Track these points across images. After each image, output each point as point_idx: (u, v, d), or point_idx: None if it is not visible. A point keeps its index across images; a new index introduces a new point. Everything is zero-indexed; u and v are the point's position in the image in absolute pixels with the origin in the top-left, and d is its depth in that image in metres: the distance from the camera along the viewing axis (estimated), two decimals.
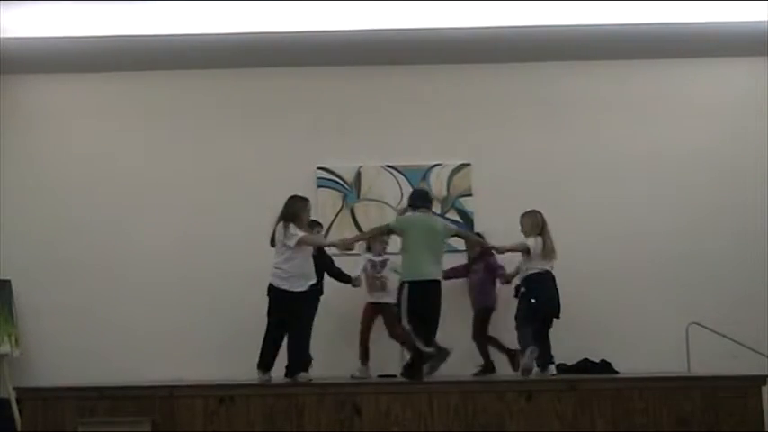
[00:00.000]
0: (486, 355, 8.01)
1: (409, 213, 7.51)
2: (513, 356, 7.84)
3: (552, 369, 7.46)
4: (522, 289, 7.69)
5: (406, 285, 7.14)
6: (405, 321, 7.13)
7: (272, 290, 7.13)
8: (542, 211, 8.00)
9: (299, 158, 8.64)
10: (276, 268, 7.09)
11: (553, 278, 7.66)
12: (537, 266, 7.62)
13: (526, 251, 7.64)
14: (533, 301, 7.56)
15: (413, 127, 8.73)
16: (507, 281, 8.05)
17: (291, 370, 7.12)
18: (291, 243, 7.05)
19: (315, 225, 7.95)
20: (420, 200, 7.49)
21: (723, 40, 8.47)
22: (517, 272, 7.87)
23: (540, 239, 7.67)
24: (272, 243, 7.21)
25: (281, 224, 7.12)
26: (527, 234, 7.76)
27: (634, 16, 8.03)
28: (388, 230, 7.63)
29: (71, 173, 8.74)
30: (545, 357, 7.52)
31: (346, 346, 7.96)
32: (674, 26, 8.19)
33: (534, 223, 7.76)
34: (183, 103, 8.88)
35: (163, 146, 8.80)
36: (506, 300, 8.01)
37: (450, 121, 8.75)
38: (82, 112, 8.91)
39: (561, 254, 8.26)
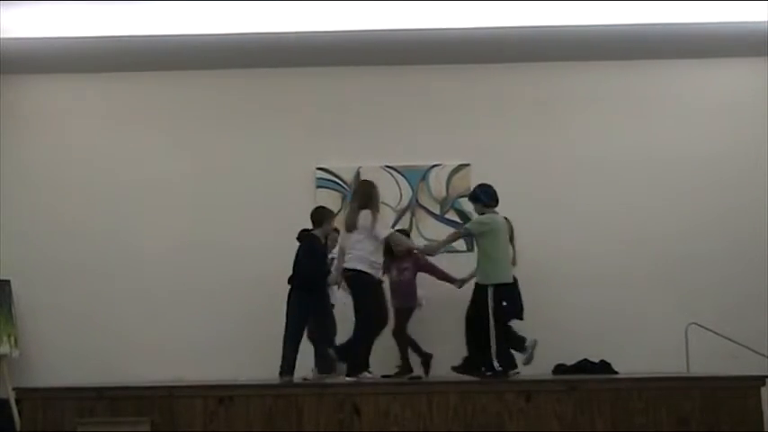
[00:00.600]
0: (405, 355, 7.89)
1: (489, 214, 7.35)
2: (427, 360, 7.83)
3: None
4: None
5: (501, 288, 7.14)
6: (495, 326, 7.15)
7: (372, 281, 7.01)
8: (542, 212, 8.03)
9: (299, 159, 8.64)
10: (370, 258, 6.99)
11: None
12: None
13: None
14: (505, 304, 7.42)
15: (412, 127, 8.73)
16: (460, 286, 7.91)
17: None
18: (381, 236, 7.02)
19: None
20: (493, 199, 7.39)
21: (723, 40, 8.46)
22: (470, 277, 7.70)
23: (510, 247, 7.63)
24: (350, 228, 7.11)
25: (369, 212, 7.02)
26: None
27: (634, 16, 8.02)
28: (467, 234, 7.58)
29: (71, 173, 8.74)
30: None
31: None
32: (674, 26, 8.18)
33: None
34: (182, 103, 8.89)
35: (162, 146, 8.80)
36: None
37: (450, 121, 8.74)
38: (82, 112, 8.91)
39: (561, 254, 8.35)
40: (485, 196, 7.40)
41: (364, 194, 7.19)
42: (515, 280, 7.54)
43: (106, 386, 6.87)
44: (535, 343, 7.34)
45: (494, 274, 7.18)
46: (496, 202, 7.39)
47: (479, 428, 6.51)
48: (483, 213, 7.38)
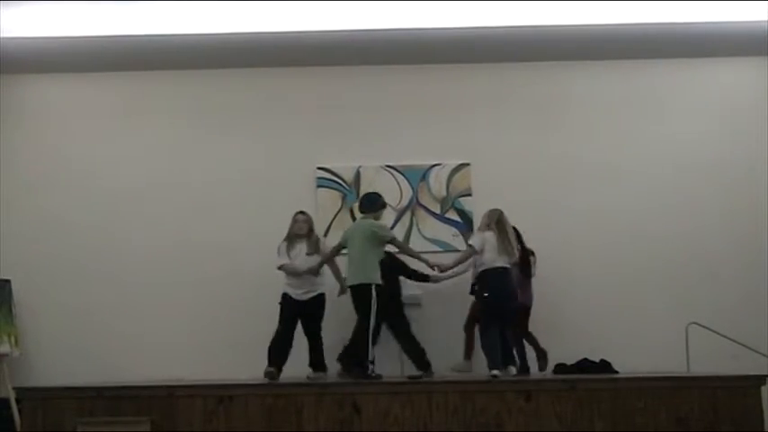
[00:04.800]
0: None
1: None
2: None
3: (512, 370, 7.33)
4: (476, 286, 7.64)
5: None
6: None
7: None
8: (542, 211, 8.07)
9: (299, 158, 8.64)
10: None
11: (510, 275, 7.49)
12: (491, 263, 7.43)
13: (473, 252, 7.52)
14: (486, 295, 7.42)
15: (412, 127, 8.73)
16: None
17: None
18: None
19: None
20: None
21: (723, 40, 8.47)
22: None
23: (488, 235, 7.48)
24: None
25: None
26: (481, 229, 7.67)
27: (634, 16, 8.03)
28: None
29: (71, 173, 8.73)
30: (506, 356, 7.38)
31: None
32: (673, 26, 8.19)
33: (487, 220, 7.64)
34: (182, 103, 8.87)
35: (162, 146, 8.79)
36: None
37: (450, 120, 8.74)
38: (82, 112, 8.90)
39: (561, 253, 8.33)
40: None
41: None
42: (508, 270, 7.51)
43: (106, 386, 6.87)
44: None
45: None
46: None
47: (479, 428, 6.52)
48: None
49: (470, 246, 7.56)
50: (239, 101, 8.84)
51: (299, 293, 7.62)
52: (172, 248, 8.55)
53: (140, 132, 8.83)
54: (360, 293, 7.31)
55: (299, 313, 7.63)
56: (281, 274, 7.68)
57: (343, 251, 7.66)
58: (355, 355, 7.29)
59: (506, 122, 8.76)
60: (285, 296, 7.66)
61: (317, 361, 7.64)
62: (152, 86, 8.91)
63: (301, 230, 7.75)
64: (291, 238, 7.75)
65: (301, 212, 7.84)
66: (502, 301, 7.40)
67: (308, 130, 8.73)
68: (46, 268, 8.46)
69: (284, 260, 7.71)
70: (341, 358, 7.63)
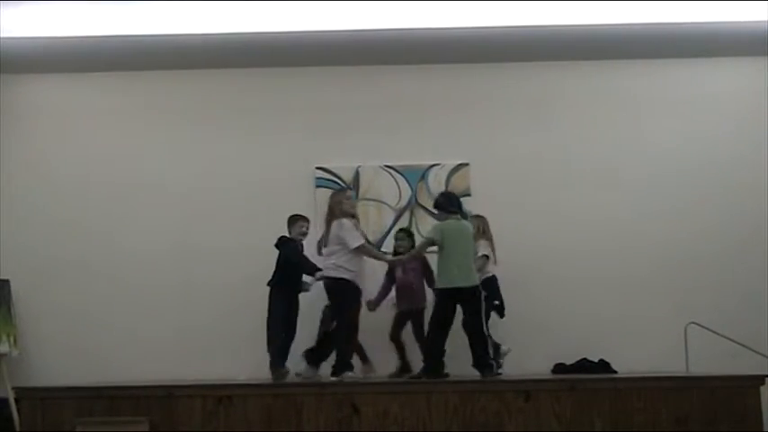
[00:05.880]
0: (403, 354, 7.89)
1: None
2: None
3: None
4: (485, 293, 7.62)
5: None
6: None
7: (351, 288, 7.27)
8: (541, 212, 8.06)
9: (298, 158, 8.63)
10: (345, 266, 7.24)
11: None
12: (491, 271, 7.69)
13: (486, 258, 7.66)
14: (496, 302, 7.66)
15: (411, 127, 8.72)
16: None
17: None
18: (352, 246, 7.20)
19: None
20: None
21: (723, 40, 8.46)
22: None
23: (491, 244, 7.70)
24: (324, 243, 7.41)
25: (338, 223, 7.29)
26: (479, 238, 7.75)
27: (634, 16, 8.02)
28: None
29: (71, 173, 8.73)
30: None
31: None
32: (674, 26, 8.18)
33: (482, 228, 7.77)
34: (182, 103, 8.87)
35: (162, 146, 8.79)
36: None
37: (449, 121, 8.73)
38: (82, 112, 8.89)
39: (561, 253, 8.34)
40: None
41: (329, 206, 7.45)
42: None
43: (105, 386, 6.89)
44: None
45: None
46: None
47: (478, 428, 6.52)
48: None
49: (484, 255, 7.64)
50: (238, 101, 8.83)
51: (359, 281, 7.30)
52: (171, 248, 8.55)
53: (139, 132, 8.83)
54: (470, 295, 7.22)
55: None
56: None
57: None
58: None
59: (505, 123, 8.75)
60: (351, 284, 7.20)
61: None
62: (151, 86, 8.90)
63: (353, 209, 7.47)
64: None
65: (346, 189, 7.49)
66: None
67: (306, 130, 8.72)
68: (45, 268, 8.45)
69: (362, 239, 7.30)
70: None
